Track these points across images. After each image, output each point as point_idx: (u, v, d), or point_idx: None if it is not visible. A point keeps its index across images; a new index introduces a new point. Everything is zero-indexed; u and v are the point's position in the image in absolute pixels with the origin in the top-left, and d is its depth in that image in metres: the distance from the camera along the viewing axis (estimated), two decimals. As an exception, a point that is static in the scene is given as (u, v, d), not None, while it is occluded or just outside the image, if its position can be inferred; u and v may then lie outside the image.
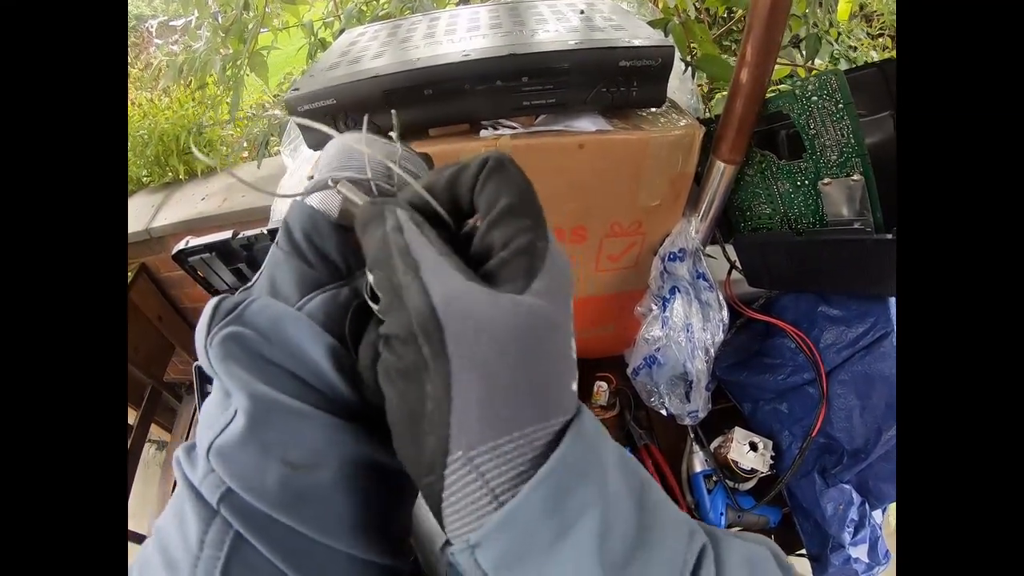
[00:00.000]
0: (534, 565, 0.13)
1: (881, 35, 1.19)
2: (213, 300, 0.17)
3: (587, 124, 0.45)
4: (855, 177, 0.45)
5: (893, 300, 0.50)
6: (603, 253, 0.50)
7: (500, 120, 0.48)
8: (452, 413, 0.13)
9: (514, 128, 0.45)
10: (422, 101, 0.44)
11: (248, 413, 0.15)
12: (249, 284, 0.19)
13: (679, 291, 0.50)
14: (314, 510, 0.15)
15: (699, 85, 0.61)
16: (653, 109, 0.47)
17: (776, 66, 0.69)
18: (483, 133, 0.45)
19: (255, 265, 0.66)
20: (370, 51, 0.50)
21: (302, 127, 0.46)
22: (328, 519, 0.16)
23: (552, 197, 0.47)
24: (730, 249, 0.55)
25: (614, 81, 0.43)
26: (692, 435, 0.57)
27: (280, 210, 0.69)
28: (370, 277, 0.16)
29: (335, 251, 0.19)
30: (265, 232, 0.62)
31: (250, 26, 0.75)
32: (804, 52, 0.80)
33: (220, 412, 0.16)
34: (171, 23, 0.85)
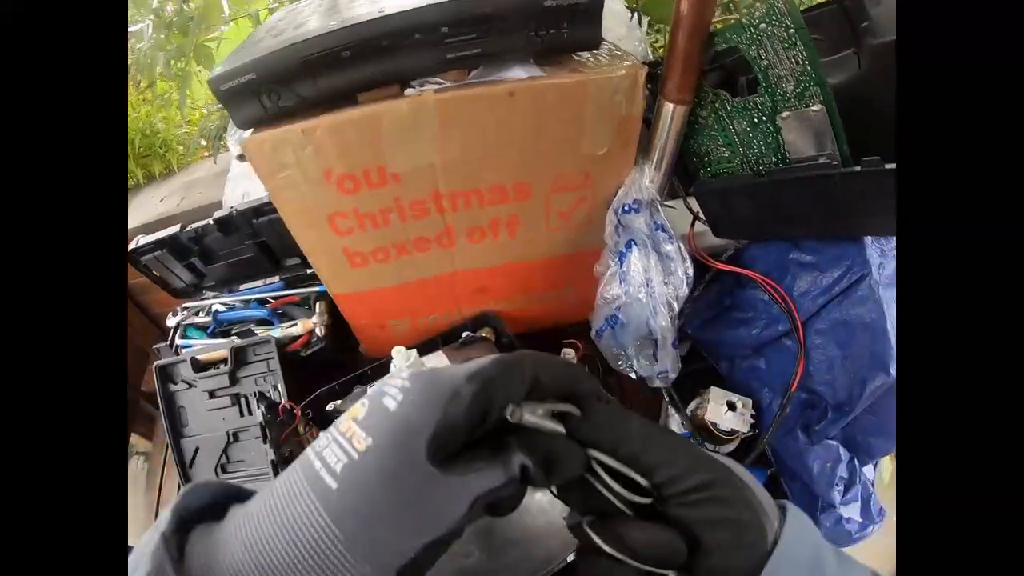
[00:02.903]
0: None
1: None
2: None
3: (520, 73, 0.42)
4: (815, 107, 0.42)
5: (869, 240, 0.47)
6: (552, 210, 0.47)
7: (434, 79, 0.45)
8: None
9: (441, 84, 0.43)
10: (342, 65, 0.42)
11: None
12: None
13: (636, 244, 0.47)
14: None
15: (652, 44, 0.58)
16: (590, 53, 0.44)
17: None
18: (408, 92, 0.42)
19: (209, 258, 0.65)
20: (295, 22, 0.47)
21: (226, 105, 0.44)
22: None
23: (489, 152, 0.43)
24: (692, 200, 0.52)
25: (542, 24, 0.40)
26: (667, 398, 0.54)
27: (231, 199, 0.67)
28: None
29: None
30: (211, 223, 0.61)
31: (193, 18, 0.73)
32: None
33: None
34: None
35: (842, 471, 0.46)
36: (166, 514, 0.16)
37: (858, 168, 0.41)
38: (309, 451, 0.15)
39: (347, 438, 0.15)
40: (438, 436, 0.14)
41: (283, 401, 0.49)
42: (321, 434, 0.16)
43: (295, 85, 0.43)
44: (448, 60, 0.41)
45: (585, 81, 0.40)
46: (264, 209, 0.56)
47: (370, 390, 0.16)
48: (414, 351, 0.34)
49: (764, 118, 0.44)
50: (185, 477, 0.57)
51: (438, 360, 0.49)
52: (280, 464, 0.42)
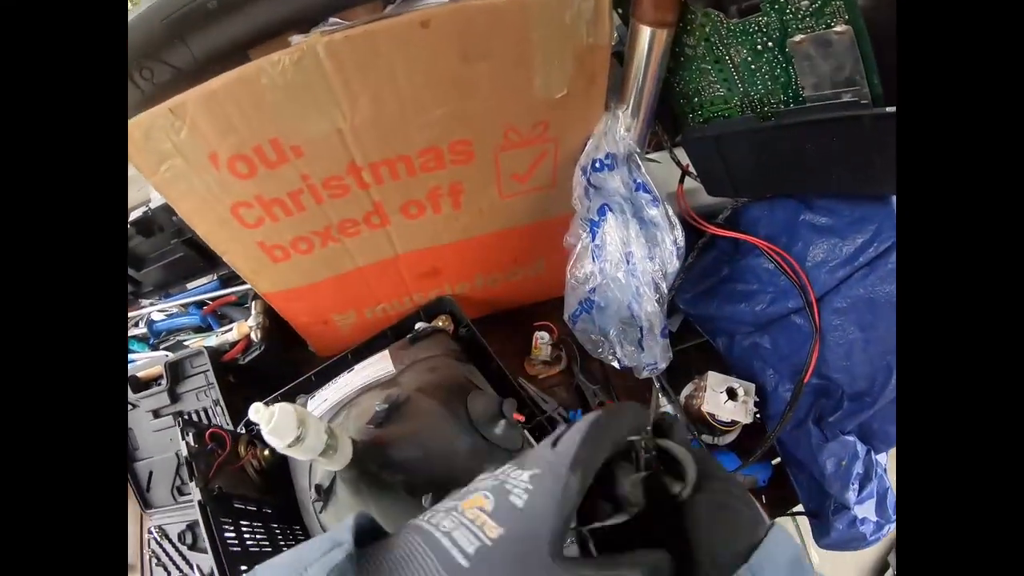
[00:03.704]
0: None
1: None
2: None
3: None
4: (838, 28, 0.32)
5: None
6: (504, 172, 0.38)
7: (336, 21, 0.35)
8: None
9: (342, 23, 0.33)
10: (212, 19, 0.33)
11: None
12: None
13: (611, 210, 0.38)
14: None
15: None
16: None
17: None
18: (294, 39, 0.32)
19: (139, 263, 0.57)
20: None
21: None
22: None
23: (409, 106, 0.32)
24: (681, 152, 0.42)
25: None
26: (657, 385, 0.47)
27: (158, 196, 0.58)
28: None
29: None
30: (129, 226, 0.53)
31: None
32: None
33: None
34: None
35: (858, 467, 0.40)
36: (348, 536, 0.17)
37: (891, 109, 0.31)
38: (429, 527, 0.17)
39: (478, 525, 0.16)
40: (556, 535, 0.16)
41: (216, 422, 0.43)
42: (437, 513, 0.18)
43: (165, 55, 0.35)
44: (342, -7, 0.31)
45: (525, 1, 0.30)
46: (181, 204, 0.48)
47: (489, 482, 0.18)
48: (276, 407, 0.27)
49: (770, 44, 0.34)
50: (144, 503, 0.53)
51: (383, 361, 0.42)
52: (208, 504, 0.36)
